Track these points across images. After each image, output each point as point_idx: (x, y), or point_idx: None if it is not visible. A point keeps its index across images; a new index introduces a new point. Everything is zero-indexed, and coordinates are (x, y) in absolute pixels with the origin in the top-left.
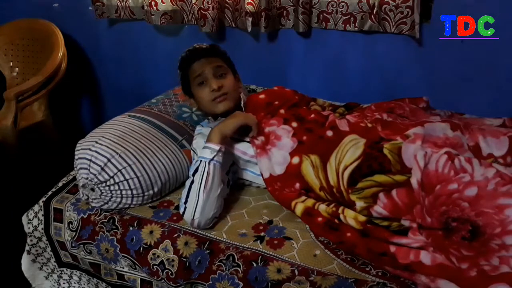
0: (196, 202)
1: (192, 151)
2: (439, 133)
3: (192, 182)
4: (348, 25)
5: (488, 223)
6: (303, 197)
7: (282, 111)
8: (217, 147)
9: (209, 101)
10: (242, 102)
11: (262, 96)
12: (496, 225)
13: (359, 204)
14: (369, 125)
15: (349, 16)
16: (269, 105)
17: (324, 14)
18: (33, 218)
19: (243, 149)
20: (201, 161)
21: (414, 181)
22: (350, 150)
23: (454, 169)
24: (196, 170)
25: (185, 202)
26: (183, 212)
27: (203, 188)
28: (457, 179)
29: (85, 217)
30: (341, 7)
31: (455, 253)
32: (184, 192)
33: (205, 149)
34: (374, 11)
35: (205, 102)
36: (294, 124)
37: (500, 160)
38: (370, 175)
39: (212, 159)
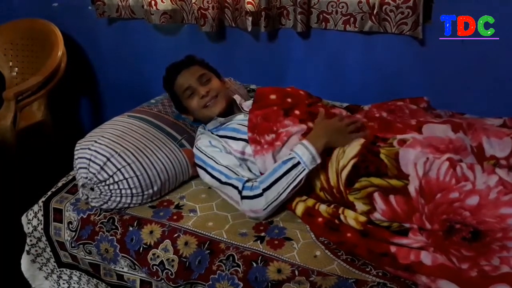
0: (276, 198)
1: (197, 149)
2: (441, 135)
3: (281, 177)
4: (348, 25)
5: (489, 230)
6: (304, 197)
7: (297, 111)
8: (319, 160)
9: (201, 108)
10: (238, 101)
11: (273, 96)
12: (498, 231)
13: (359, 206)
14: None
15: (349, 16)
16: (282, 103)
17: (324, 14)
18: (32, 218)
19: (241, 149)
20: (299, 162)
21: (412, 189)
22: (348, 149)
23: (456, 177)
24: (291, 168)
25: (265, 190)
26: (256, 196)
27: (289, 190)
28: (458, 187)
29: (84, 217)
30: (341, 7)
31: (455, 254)
32: (269, 177)
33: (306, 150)
34: (375, 12)
35: (198, 111)
36: (311, 124)
37: (503, 161)
38: (367, 176)
39: (310, 169)
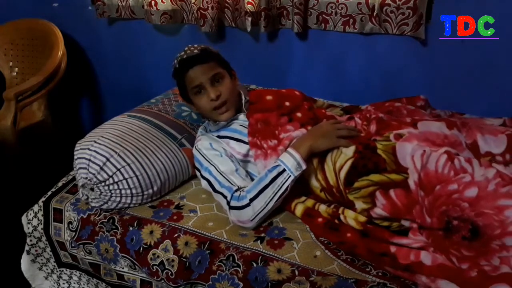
0: (264, 208)
1: (197, 151)
2: (436, 131)
3: (267, 186)
4: (347, 26)
5: (488, 224)
6: (303, 198)
7: (299, 114)
8: (304, 166)
9: (210, 110)
10: (243, 99)
11: (269, 97)
12: (496, 226)
13: (358, 205)
14: (362, 134)
15: (348, 17)
16: (279, 106)
17: (323, 15)
18: (32, 218)
19: (244, 152)
20: (284, 169)
21: (412, 182)
22: (343, 150)
23: (454, 169)
24: (277, 176)
25: (252, 199)
26: (244, 206)
27: (276, 199)
28: (457, 179)
29: (84, 217)
30: (340, 8)
31: (455, 253)
32: (256, 186)
33: (290, 157)
34: (375, 13)
35: (205, 111)
36: (310, 128)
37: (499, 157)
38: (366, 175)
39: (296, 176)
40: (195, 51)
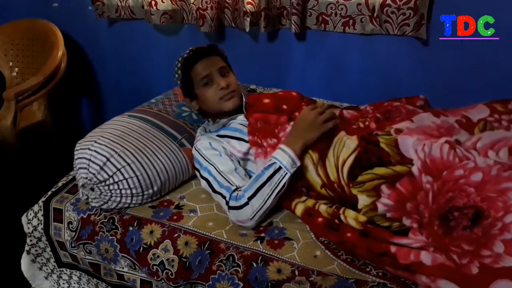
0: (262, 206)
1: (196, 151)
2: (428, 122)
3: (264, 184)
4: (347, 27)
5: (492, 206)
6: (304, 197)
7: (297, 114)
8: (298, 163)
9: (217, 100)
10: (244, 100)
11: (266, 100)
12: (500, 207)
13: (362, 198)
14: (361, 125)
15: (348, 18)
16: (277, 109)
17: (323, 16)
18: (32, 218)
19: (245, 150)
20: (280, 167)
21: (415, 169)
22: (346, 143)
23: (458, 156)
24: (274, 174)
25: (250, 198)
26: (242, 206)
27: (274, 196)
28: (462, 165)
29: (84, 217)
30: (340, 9)
31: (455, 250)
32: (253, 185)
33: (285, 155)
34: (375, 14)
35: (212, 101)
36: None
37: (490, 118)
38: (370, 168)
39: (291, 173)
40: (204, 46)
